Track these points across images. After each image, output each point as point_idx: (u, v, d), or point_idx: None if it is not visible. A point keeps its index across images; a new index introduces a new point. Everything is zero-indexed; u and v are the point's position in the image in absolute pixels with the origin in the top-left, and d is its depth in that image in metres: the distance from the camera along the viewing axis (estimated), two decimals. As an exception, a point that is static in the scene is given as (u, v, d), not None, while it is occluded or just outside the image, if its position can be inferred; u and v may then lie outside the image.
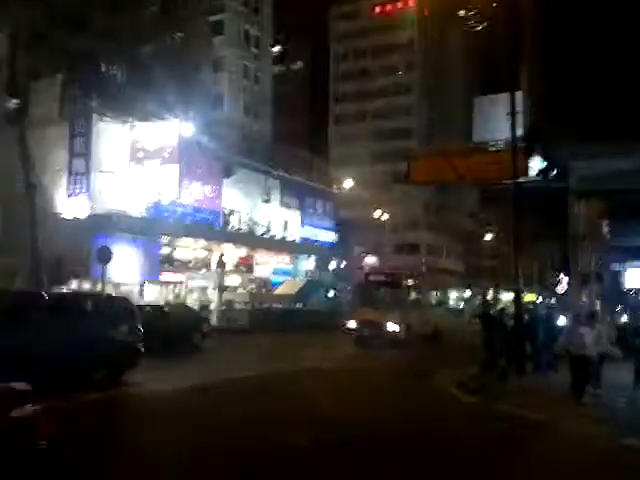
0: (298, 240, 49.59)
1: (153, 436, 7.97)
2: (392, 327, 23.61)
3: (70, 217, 32.82)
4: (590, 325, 11.04)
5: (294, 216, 49.95)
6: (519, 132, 16.89)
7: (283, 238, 47.63)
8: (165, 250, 36.99)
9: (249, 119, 52.50)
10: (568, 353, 10.99)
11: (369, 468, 6.82)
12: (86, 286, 31.83)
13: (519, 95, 16.36)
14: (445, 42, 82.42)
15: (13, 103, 31.78)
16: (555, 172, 22.10)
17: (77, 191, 33.40)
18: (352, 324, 24.81)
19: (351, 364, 17.79)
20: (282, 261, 47.73)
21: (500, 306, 24.48)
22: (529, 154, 20.35)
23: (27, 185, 24.75)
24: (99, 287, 24.23)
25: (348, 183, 51.93)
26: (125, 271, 32.22)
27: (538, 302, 36.42)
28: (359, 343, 23.51)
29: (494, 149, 26.11)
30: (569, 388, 10.80)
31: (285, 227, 48.60)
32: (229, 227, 42.21)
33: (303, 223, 50.72)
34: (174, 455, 7.11)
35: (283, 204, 48.62)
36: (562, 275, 72.25)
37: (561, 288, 67.26)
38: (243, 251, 43.56)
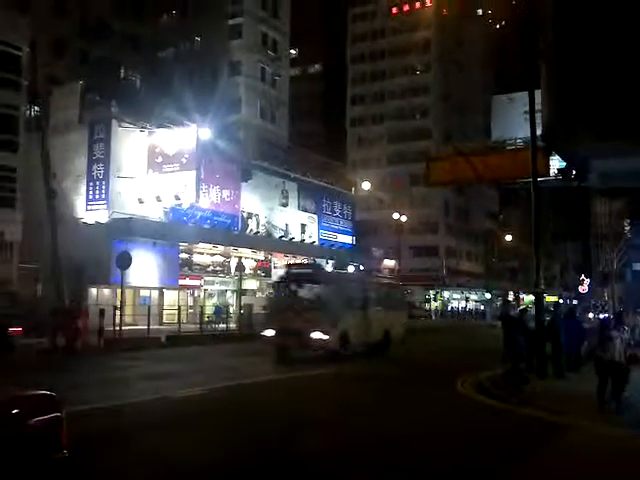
0: (316, 243, 49.55)
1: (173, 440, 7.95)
2: (318, 335, 17.91)
3: (90, 222, 33.12)
4: (618, 328, 10.61)
5: (312, 219, 49.93)
6: (538, 131, 16.64)
7: (301, 241, 47.61)
8: (184, 255, 37.18)
9: (266, 122, 52.56)
10: (598, 358, 10.57)
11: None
12: (105, 292, 32.15)
13: (537, 94, 16.13)
14: (463, 41, 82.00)
15: (34, 110, 32.19)
16: (575, 171, 21.81)
17: (97, 196, 33.73)
18: (270, 332, 19.08)
19: (370, 370, 17.64)
20: (300, 264, 47.66)
21: (521, 307, 23.67)
22: (548, 153, 20.10)
23: (47, 191, 24.96)
24: (119, 292, 24.38)
25: (366, 185, 51.76)
26: (144, 276, 32.43)
27: (560, 302, 35.80)
28: (280, 357, 18.41)
29: (512, 148, 25.90)
30: (596, 393, 10.47)
31: (303, 230, 48.60)
32: (247, 231, 42.32)
33: (321, 226, 50.69)
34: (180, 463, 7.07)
35: (301, 207, 48.65)
36: (583, 275, 71.55)
37: (582, 288, 66.56)
38: (261, 255, 43.63)
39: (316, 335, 18.00)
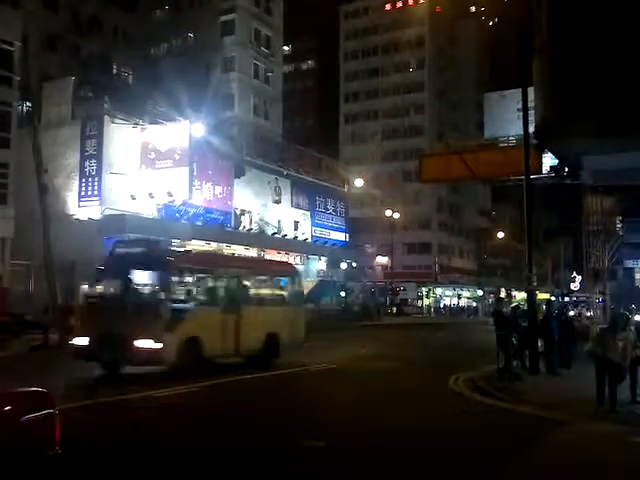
0: (309, 240, 49.53)
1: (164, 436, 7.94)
2: (145, 344, 12.53)
3: (83, 219, 32.98)
4: (619, 329, 10.35)
5: (305, 216, 49.91)
6: (531, 128, 16.68)
7: (294, 238, 47.59)
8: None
9: (259, 119, 52.46)
10: (594, 355, 10.30)
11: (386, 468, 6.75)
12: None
13: (531, 91, 16.18)
14: (456, 38, 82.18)
15: (26, 105, 32.00)
16: (567, 169, 21.87)
17: (89, 193, 33.58)
18: (81, 340, 13.52)
19: (365, 364, 17.66)
20: (293, 261, 47.68)
21: (513, 304, 23.65)
22: (541, 150, 20.15)
23: (40, 187, 24.82)
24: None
25: (359, 182, 51.77)
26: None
27: (552, 300, 36.01)
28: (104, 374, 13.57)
29: (505, 145, 25.98)
30: (597, 394, 10.17)
31: (296, 227, 48.57)
32: (240, 228, 42.26)
33: (314, 223, 50.67)
34: (179, 456, 7.06)
35: (294, 204, 48.60)
36: (575, 272, 71.86)
37: (574, 285, 66.83)
38: (254, 252, 43.57)
39: (142, 343, 12.50)
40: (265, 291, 17.70)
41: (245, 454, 7.19)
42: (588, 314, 40.95)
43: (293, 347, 16.88)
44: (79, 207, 33.59)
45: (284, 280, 18.40)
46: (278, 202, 46.79)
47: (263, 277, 17.75)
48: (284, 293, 18.20)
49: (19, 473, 4.41)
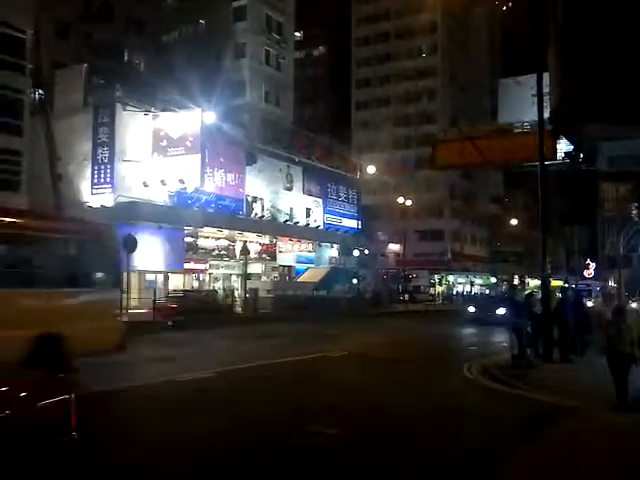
0: (321, 227, 49.49)
1: (173, 423, 7.96)
2: None
3: (96, 206, 33.12)
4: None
5: (317, 203, 49.84)
6: (546, 114, 16.47)
7: (306, 225, 47.57)
8: (189, 238, 37.21)
9: (270, 106, 52.26)
10: (610, 351, 9.80)
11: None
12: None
13: (545, 77, 15.95)
14: (469, 23, 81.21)
15: (39, 93, 32.09)
16: (583, 155, 21.63)
17: (102, 180, 33.71)
18: None
19: (378, 352, 17.65)
20: (305, 249, 47.73)
21: (527, 291, 23.46)
22: (556, 136, 19.93)
23: (53, 174, 24.97)
24: (124, 276, 24.37)
25: (371, 169, 51.57)
26: (150, 260, 32.47)
27: (567, 287, 35.94)
28: None
29: (519, 131, 25.69)
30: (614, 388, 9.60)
31: (308, 214, 48.54)
32: (252, 215, 42.29)
33: (326, 210, 50.59)
34: (201, 444, 7.08)
35: (305, 191, 48.54)
36: (589, 259, 71.37)
37: (588, 272, 66.40)
38: (266, 239, 43.64)
39: None
40: (37, 264, 10.89)
41: (261, 442, 7.20)
42: (589, 303, 40.63)
43: (96, 356, 10.95)
44: (92, 195, 33.74)
45: (85, 247, 11.70)
46: (290, 189, 46.75)
47: (34, 239, 10.66)
48: (80, 268, 11.48)
49: (36, 458, 4.43)
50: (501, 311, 25.78)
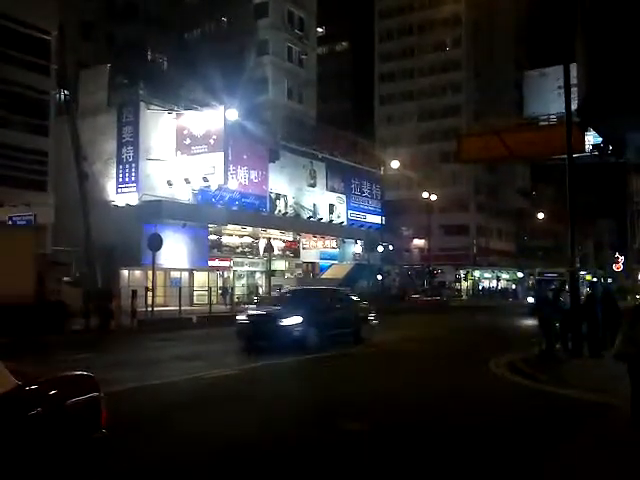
0: (345, 223, 49.39)
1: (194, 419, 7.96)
2: None
3: (121, 205, 33.47)
4: None
5: (340, 199, 49.75)
6: (573, 106, 16.16)
7: (329, 222, 47.51)
8: (213, 236, 37.41)
9: (293, 102, 52.26)
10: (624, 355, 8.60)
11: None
12: (137, 273, 32.54)
13: (573, 68, 15.65)
14: (494, 15, 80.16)
15: (64, 94, 32.47)
16: (611, 147, 21.18)
17: (127, 179, 34.03)
18: None
19: (405, 347, 17.53)
20: (329, 245, 47.69)
21: (555, 286, 23.07)
22: (584, 129, 19.54)
23: (79, 174, 25.22)
24: (150, 274, 24.60)
25: (395, 164, 51.36)
26: (175, 257, 32.73)
27: (596, 281, 35.93)
28: None
29: (546, 124, 25.29)
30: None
31: (331, 210, 48.47)
32: (275, 212, 42.35)
33: (349, 206, 50.47)
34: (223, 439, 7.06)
35: (329, 187, 48.47)
36: (618, 253, 70.15)
37: (617, 266, 65.30)
38: (289, 236, 43.69)
39: None
40: None
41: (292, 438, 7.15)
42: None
43: None
44: (117, 194, 34.09)
45: None
46: (313, 186, 46.71)
47: None
48: None
49: (66, 455, 4.44)
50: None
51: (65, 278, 24.29)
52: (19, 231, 22.68)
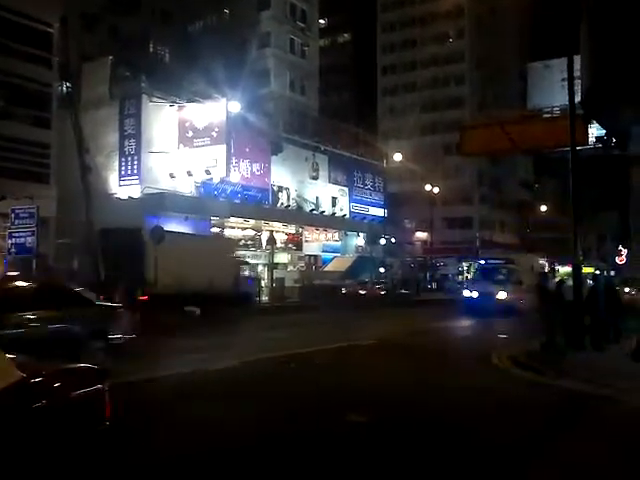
0: (347, 216, 49.35)
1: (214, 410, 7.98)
2: None
3: (123, 197, 33.47)
4: None
5: (343, 192, 49.68)
6: (577, 98, 16.11)
7: (332, 214, 47.47)
8: (215, 229, 37.40)
9: (296, 94, 52.09)
10: None
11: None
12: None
13: (577, 60, 15.59)
14: (497, 6, 79.73)
15: (66, 86, 32.43)
16: (615, 139, 21.13)
17: (129, 172, 34.02)
18: None
19: (407, 340, 17.55)
20: (331, 238, 47.66)
21: (558, 278, 23.09)
22: (588, 121, 19.49)
23: (82, 166, 25.20)
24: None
25: (397, 156, 51.23)
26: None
27: (599, 274, 34.64)
28: None
29: (549, 116, 25.25)
30: None
31: (334, 203, 48.42)
32: (278, 204, 42.32)
33: (352, 199, 50.42)
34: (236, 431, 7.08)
35: (331, 180, 48.40)
36: (621, 246, 69.97)
37: (620, 259, 65.17)
38: (292, 228, 43.67)
39: None
40: None
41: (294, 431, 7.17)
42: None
43: None
44: (120, 186, 34.10)
45: None
46: (315, 178, 46.65)
47: None
48: None
49: (71, 447, 4.47)
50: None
51: None
52: (224, 240, 33.97)
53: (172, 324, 17.98)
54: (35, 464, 4.15)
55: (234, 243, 33.81)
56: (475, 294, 26.31)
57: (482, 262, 31.94)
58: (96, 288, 21.71)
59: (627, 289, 18.51)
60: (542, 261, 35.00)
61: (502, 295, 25.39)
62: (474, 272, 33.35)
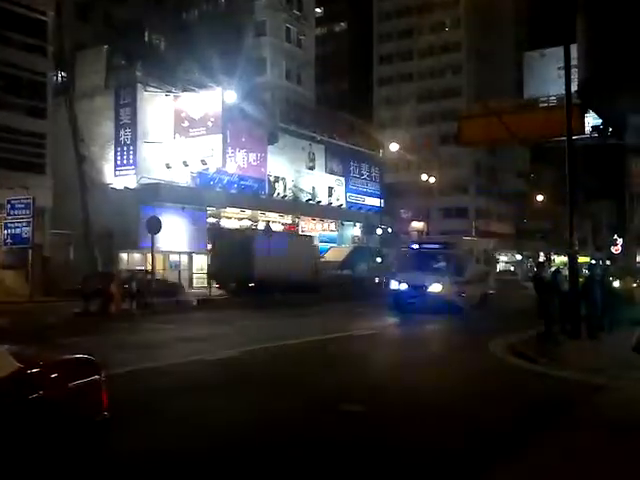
0: (344, 206, 49.32)
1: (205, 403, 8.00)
2: None
3: (119, 188, 33.37)
4: None
5: (339, 182, 49.63)
6: (573, 87, 16.09)
7: (328, 204, 47.45)
8: (212, 219, 37.35)
9: (292, 83, 51.89)
10: None
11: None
12: (135, 256, 32.54)
13: (573, 49, 15.55)
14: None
15: (60, 75, 32.23)
16: (611, 128, 21.13)
17: (125, 162, 33.91)
18: None
19: (405, 330, 17.61)
20: (327, 228, 47.66)
21: (553, 268, 22.87)
22: (584, 110, 19.49)
23: (77, 156, 25.15)
24: (149, 257, 24.61)
25: (394, 146, 51.17)
26: (173, 241, 32.69)
27: (594, 263, 34.36)
28: None
29: (546, 105, 25.22)
30: None
31: (330, 193, 48.38)
32: (274, 195, 42.27)
33: (348, 189, 50.37)
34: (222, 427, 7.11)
35: (328, 170, 48.34)
36: (616, 235, 70.20)
37: (615, 249, 65.37)
38: (289, 219, 43.64)
39: None
40: None
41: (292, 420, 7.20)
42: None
43: None
44: (115, 176, 34.00)
45: None
46: (312, 168, 46.58)
47: None
48: None
49: (68, 438, 4.47)
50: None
51: None
52: (306, 237, 38.35)
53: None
54: (33, 455, 4.15)
55: (313, 240, 37.96)
56: (403, 286, 21.68)
57: (415, 246, 25.81)
58: (95, 278, 21.82)
59: (617, 283, 18.04)
60: (492, 245, 28.12)
61: (436, 287, 20.90)
62: (403, 258, 26.72)
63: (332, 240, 47.78)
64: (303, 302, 25.04)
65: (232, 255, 28.02)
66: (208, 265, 32.09)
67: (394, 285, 22.26)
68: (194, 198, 34.41)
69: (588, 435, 6.83)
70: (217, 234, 32.95)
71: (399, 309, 20.88)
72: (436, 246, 24.06)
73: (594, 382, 9.51)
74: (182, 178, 35.28)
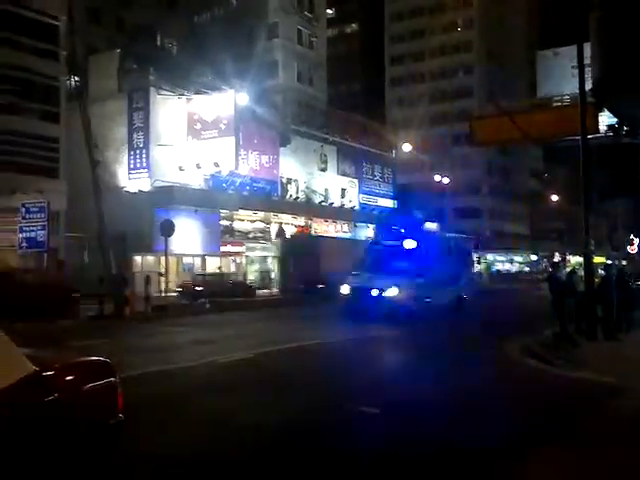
0: (356, 207, 49.25)
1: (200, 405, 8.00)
2: None
3: (133, 191, 33.54)
4: None
5: (352, 183, 49.56)
6: (587, 86, 15.95)
7: (341, 206, 47.39)
8: (225, 221, 37.43)
9: (304, 85, 51.91)
10: None
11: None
12: (149, 259, 32.68)
13: (587, 47, 15.42)
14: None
15: (73, 80, 32.43)
16: (627, 127, 20.90)
17: (138, 165, 34.08)
18: None
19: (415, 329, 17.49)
20: (340, 229, 47.59)
21: (569, 268, 22.62)
22: (598, 109, 19.28)
23: (91, 160, 25.23)
24: (162, 259, 24.71)
25: (406, 147, 51.00)
26: (187, 243, 32.81)
27: (611, 263, 34.01)
28: None
29: (559, 105, 25.02)
30: None
31: (343, 195, 48.33)
32: (287, 196, 42.30)
33: (361, 190, 50.29)
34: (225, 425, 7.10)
35: (340, 171, 48.27)
36: (632, 235, 69.50)
37: (632, 248, 64.71)
38: (301, 220, 43.64)
39: None
40: None
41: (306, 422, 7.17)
42: None
43: None
44: (129, 179, 34.18)
45: None
46: (324, 170, 46.56)
47: None
48: None
49: (83, 440, 4.47)
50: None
51: None
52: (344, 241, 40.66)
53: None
54: (48, 458, 4.16)
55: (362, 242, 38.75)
56: (355, 291, 18.88)
57: (376, 243, 23.01)
58: (108, 282, 21.93)
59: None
60: (472, 244, 25.20)
61: (393, 292, 18.31)
62: (363, 257, 21.82)
63: (345, 242, 47.70)
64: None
65: (301, 261, 31.94)
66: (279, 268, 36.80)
67: (345, 290, 19.38)
68: (207, 200, 34.50)
69: (605, 434, 6.75)
70: (285, 239, 37.40)
71: (351, 316, 18.03)
72: (398, 243, 20.88)
73: (610, 383, 9.39)
74: (195, 181, 35.41)
